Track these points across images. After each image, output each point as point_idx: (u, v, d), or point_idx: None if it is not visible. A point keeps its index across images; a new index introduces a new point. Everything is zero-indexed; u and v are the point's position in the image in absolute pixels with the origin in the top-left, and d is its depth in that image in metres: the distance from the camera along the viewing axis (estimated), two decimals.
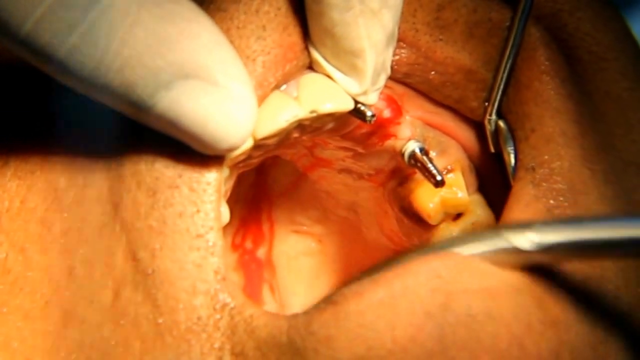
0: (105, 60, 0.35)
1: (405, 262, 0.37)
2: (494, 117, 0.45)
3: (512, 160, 0.44)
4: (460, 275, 0.37)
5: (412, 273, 0.37)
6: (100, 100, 0.37)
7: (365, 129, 0.46)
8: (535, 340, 0.36)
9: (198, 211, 0.38)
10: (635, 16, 0.69)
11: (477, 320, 0.36)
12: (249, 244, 0.56)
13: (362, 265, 0.56)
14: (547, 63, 0.44)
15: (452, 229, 0.47)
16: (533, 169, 0.42)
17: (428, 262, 0.37)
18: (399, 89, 0.46)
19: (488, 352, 0.36)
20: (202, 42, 0.37)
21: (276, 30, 0.41)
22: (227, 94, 0.37)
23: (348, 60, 0.41)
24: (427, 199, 0.47)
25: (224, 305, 0.37)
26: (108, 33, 0.35)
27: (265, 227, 0.56)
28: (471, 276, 0.37)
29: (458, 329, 0.36)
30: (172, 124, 0.37)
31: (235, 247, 0.56)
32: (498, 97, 0.45)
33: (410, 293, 0.36)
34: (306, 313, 0.37)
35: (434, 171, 0.45)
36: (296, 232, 0.57)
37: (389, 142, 0.47)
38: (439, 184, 0.45)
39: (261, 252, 0.56)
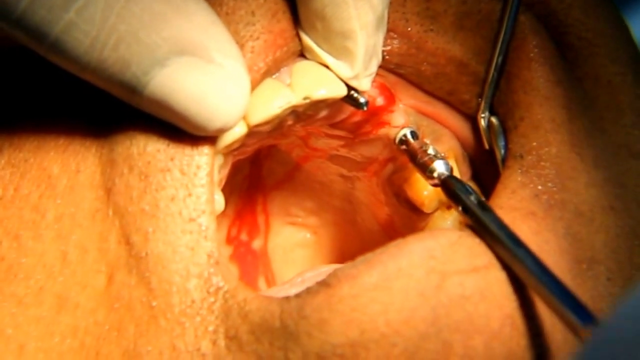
0: (100, 36, 0.35)
1: (400, 242, 0.37)
2: (487, 114, 0.45)
3: (502, 153, 0.44)
4: (454, 254, 0.37)
5: (405, 254, 0.37)
6: (93, 82, 0.37)
7: (358, 116, 0.46)
8: (528, 319, 0.36)
9: (190, 195, 0.38)
10: (635, 16, 0.70)
11: (471, 301, 0.36)
12: (244, 236, 0.56)
13: (357, 256, 0.56)
14: (536, 50, 0.44)
15: (446, 217, 0.47)
16: (521, 156, 0.42)
17: (422, 242, 0.37)
18: (392, 77, 0.46)
19: (481, 333, 0.36)
20: (197, 20, 0.37)
21: (265, 16, 0.41)
22: (222, 71, 0.37)
23: (339, 42, 0.41)
24: (422, 187, 0.47)
25: (218, 288, 0.37)
26: (104, 9, 0.35)
27: (261, 219, 0.56)
28: (465, 255, 0.37)
29: (451, 311, 0.36)
30: (165, 102, 0.37)
31: (230, 239, 0.56)
32: (490, 94, 0.45)
33: (404, 275, 0.36)
34: (299, 296, 0.37)
35: None
36: (291, 223, 0.57)
37: (383, 130, 0.47)
38: None
39: (257, 244, 0.56)
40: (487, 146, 0.46)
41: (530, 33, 0.44)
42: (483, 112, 0.45)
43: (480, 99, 0.46)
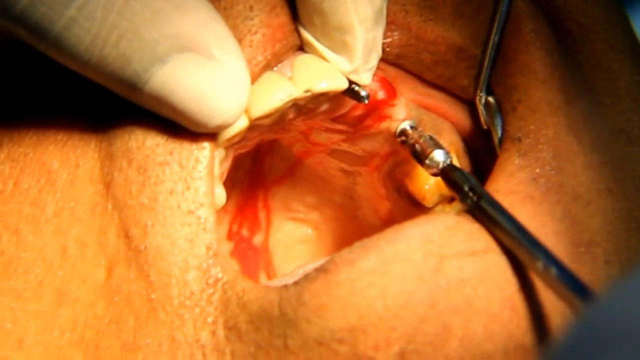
0: (101, 33, 0.35)
1: (397, 227, 0.37)
2: (483, 93, 0.45)
3: (499, 133, 0.44)
4: (452, 238, 0.37)
5: (403, 238, 0.37)
6: (94, 79, 0.37)
7: (359, 110, 0.46)
8: (527, 302, 0.36)
9: (188, 188, 0.38)
10: (637, 15, 0.70)
11: (470, 284, 0.36)
12: (245, 232, 0.56)
13: None
14: (532, 34, 0.44)
15: (447, 211, 0.47)
16: (519, 139, 0.43)
17: (419, 226, 0.37)
18: (392, 71, 0.46)
19: (481, 316, 0.36)
20: (198, 17, 0.37)
21: (264, 11, 0.41)
22: (222, 68, 0.37)
23: (338, 37, 0.41)
24: (423, 181, 0.47)
25: (217, 280, 0.38)
26: (105, 6, 0.35)
27: (262, 215, 0.56)
28: (463, 239, 0.37)
29: (450, 294, 0.36)
30: (165, 99, 0.37)
31: (231, 235, 0.56)
32: (486, 74, 0.45)
33: (402, 258, 0.36)
34: (297, 283, 0.37)
35: None
36: (292, 219, 0.57)
37: (384, 124, 0.47)
38: None
39: (258, 240, 0.56)
40: (485, 126, 0.46)
41: (527, 17, 0.44)
42: (480, 92, 0.46)
43: (478, 80, 0.46)
